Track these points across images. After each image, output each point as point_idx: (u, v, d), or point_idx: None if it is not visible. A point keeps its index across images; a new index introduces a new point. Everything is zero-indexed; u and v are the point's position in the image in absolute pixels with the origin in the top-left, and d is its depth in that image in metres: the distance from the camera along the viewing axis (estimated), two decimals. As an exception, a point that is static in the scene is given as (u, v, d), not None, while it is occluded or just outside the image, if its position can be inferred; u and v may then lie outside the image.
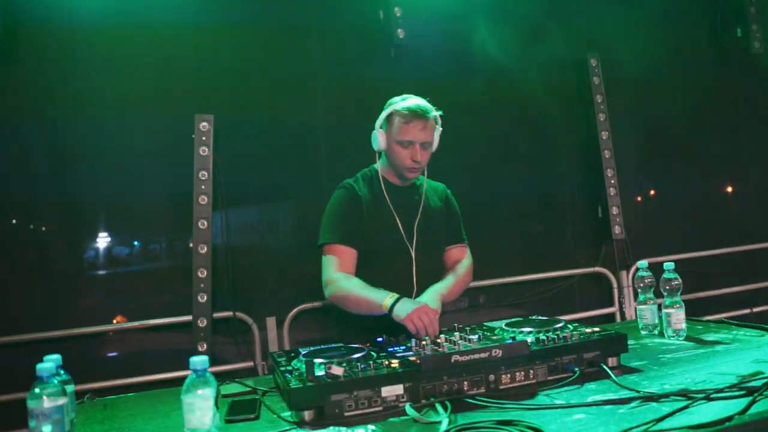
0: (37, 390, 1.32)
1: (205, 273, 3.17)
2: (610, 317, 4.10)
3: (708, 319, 2.61)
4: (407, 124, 2.40)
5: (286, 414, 1.75)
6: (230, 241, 3.29)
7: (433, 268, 2.60)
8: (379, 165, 2.61)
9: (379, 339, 2.20)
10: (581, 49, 4.08)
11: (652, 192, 4.49)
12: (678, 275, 2.32)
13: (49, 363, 1.36)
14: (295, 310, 3.42)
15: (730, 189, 4.68)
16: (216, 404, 1.79)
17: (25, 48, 3.07)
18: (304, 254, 3.49)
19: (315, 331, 3.49)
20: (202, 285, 3.16)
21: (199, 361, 1.32)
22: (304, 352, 2.02)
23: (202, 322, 3.16)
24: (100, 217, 3.30)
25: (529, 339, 1.95)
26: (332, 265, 2.43)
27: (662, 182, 4.43)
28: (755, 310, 4.40)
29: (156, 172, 3.33)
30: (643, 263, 2.46)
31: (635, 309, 4.14)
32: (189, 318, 3.20)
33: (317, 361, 1.81)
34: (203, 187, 3.17)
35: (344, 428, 1.38)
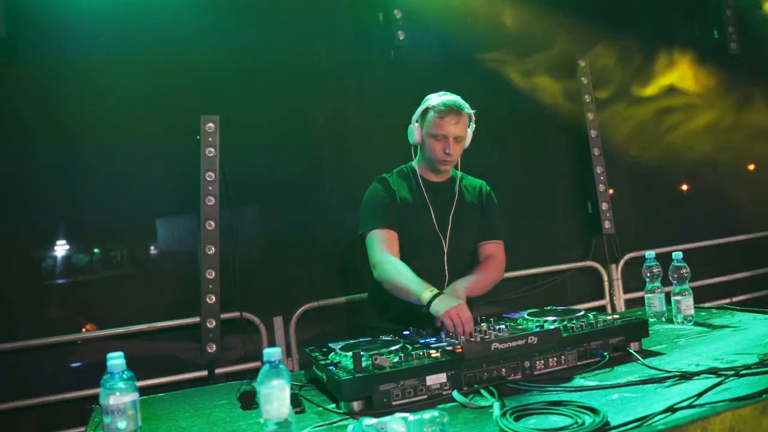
0: (109, 386, 1.33)
1: (213, 274, 3.18)
2: (601, 309, 4.23)
3: (709, 306, 2.74)
4: (441, 118, 2.48)
5: (331, 406, 1.79)
6: (237, 241, 3.29)
7: (465, 261, 2.66)
8: (415, 161, 2.70)
9: (406, 333, 2.26)
10: (571, 51, 4.20)
11: (637, 189, 4.64)
12: (685, 263, 2.43)
13: (119, 359, 1.38)
14: (301, 309, 3.44)
15: (706, 186, 4.86)
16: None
17: (28, 48, 3.03)
18: (309, 254, 3.53)
19: (321, 329, 3.52)
20: (210, 286, 3.16)
21: (273, 352, 1.36)
22: (339, 347, 2.06)
23: (211, 323, 3.16)
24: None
25: (559, 327, 2.03)
26: (377, 248, 2.49)
27: (647, 179, 4.59)
28: (734, 299, 4.59)
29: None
30: (650, 254, 2.56)
31: (623, 301, 4.33)
32: (197, 319, 3.20)
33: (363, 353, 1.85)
34: (210, 188, 3.18)
35: (417, 413, 1.42)
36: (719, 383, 1.60)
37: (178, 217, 3.45)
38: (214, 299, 3.17)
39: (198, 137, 3.21)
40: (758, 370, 1.68)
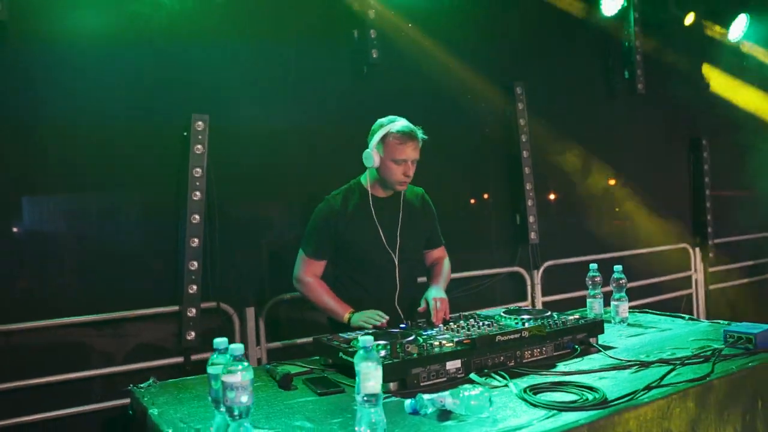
0: (232, 364, 1.56)
1: (196, 265, 3.33)
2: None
3: (632, 310, 3.31)
4: (403, 144, 2.76)
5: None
6: (218, 235, 3.46)
7: (414, 269, 3.04)
8: (363, 179, 2.94)
9: (403, 326, 2.62)
10: (511, 77, 4.73)
11: (559, 206, 5.27)
12: (624, 276, 2.97)
13: (237, 345, 1.61)
14: (271, 302, 3.67)
15: (610, 201, 5.61)
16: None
17: (25, 33, 3.03)
18: (284, 249, 3.77)
19: (291, 320, 3.78)
20: (193, 277, 3.32)
21: (367, 339, 1.66)
22: (360, 334, 2.37)
23: (191, 312, 3.32)
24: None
25: (542, 324, 2.46)
26: (302, 269, 2.90)
27: (568, 196, 5.23)
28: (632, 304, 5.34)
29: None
30: (593, 266, 3.07)
31: (542, 303, 4.92)
32: (176, 308, 3.35)
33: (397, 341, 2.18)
34: (197, 183, 3.33)
35: (466, 388, 1.78)
36: (672, 369, 2.10)
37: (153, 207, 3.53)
38: (195, 289, 3.33)
39: (186, 133, 3.35)
40: (696, 360, 2.21)
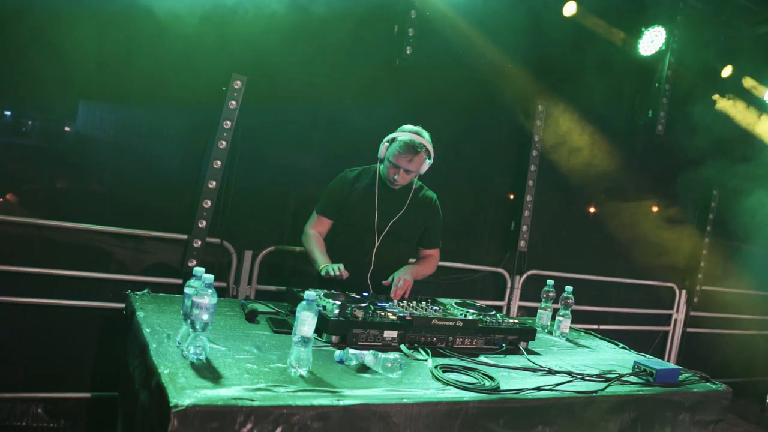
0: (201, 288, 2.00)
1: (209, 204, 3.78)
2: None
3: (579, 328, 3.67)
4: (400, 154, 3.12)
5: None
6: (234, 182, 3.90)
7: (393, 258, 3.37)
8: (380, 165, 3.33)
9: (365, 294, 3.03)
10: (535, 93, 5.02)
11: (554, 221, 5.58)
12: (572, 296, 3.32)
13: (209, 275, 2.04)
14: (268, 249, 4.12)
15: (606, 228, 5.89)
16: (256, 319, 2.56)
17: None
18: (293, 203, 4.21)
19: (284, 269, 4.24)
20: (204, 213, 3.78)
21: (311, 294, 2.07)
22: (323, 293, 2.80)
23: (197, 243, 3.79)
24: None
25: (477, 319, 2.84)
26: (312, 223, 3.38)
27: (565, 215, 5.54)
28: (601, 327, 5.66)
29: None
30: (550, 281, 3.42)
31: (518, 307, 5.28)
32: (184, 237, 3.82)
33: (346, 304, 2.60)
34: (225, 134, 3.76)
35: (384, 353, 2.19)
36: (571, 381, 2.47)
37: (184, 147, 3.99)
38: (204, 224, 3.79)
39: (224, 89, 3.77)
40: (597, 379, 2.57)
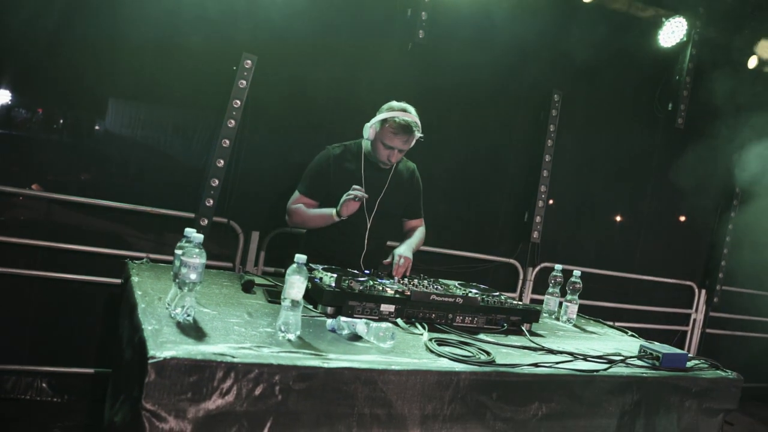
0: (190, 247, 1.98)
1: (217, 182, 3.78)
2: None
3: (588, 317, 3.58)
4: (395, 135, 3.07)
5: (309, 306, 2.50)
6: (243, 161, 3.90)
7: (385, 234, 3.35)
8: (364, 143, 3.28)
9: (367, 272, 2.99)
10: (552, 82, 4.94)
11: (568, 211, 5.48)
12: (580, 281, 3.24)
13: (199, 234, 2.02)
14: (276, 231, 4.11)
15: (624, 223, 5.77)
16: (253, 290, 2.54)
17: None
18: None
19: (287, 251, 4.20)
20: (212, 192, 3.77)
21: (301, 257, 2.04)
22: (322, 267, 2.76)
23: (203, 222, 3.78)
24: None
25: (479, 297, 2.79)
26: (292, 201, 3.25)
27: (580, 207, 5.44)
28: (616, 324, 5.53)
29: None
30: (558, 267, 3.35)
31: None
32: (192, 215, 3.82)
33: (342, 276, 2.56)
34: (234, 113, 3.76)
35: (376, 323, 2.15)
36: (570, 360, 2.40)
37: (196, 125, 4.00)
38: (211, 203, 3.78)
39: (235, 68, 3.77)
40: (598, 360, 2.50)
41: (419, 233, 3.44)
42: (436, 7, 4.21)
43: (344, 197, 2.96)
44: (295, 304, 2.02)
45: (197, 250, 1.96)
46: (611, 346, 2.85)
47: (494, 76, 4.65)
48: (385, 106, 3.16)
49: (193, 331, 1.88)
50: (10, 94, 3.55)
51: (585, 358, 2.48)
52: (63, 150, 3.72)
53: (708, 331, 6.15)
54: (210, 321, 2.02)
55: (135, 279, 2.40)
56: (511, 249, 5.12)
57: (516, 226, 5.13)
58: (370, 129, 3.13)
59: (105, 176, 3.81)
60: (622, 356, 2.58)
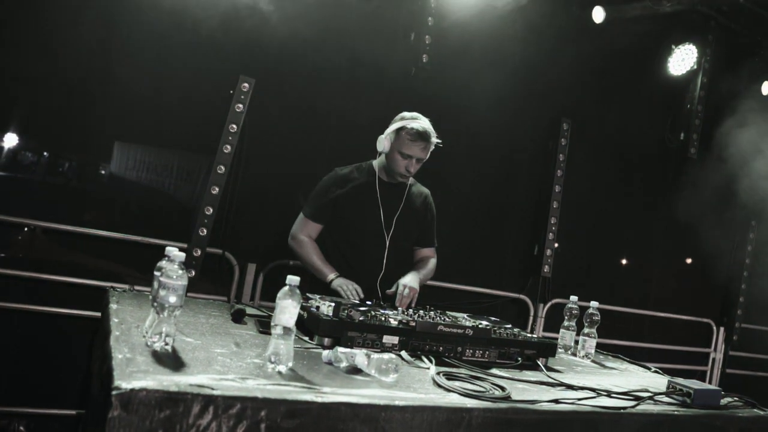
0: (171, 267, 1.78)
1: (211, 211, 3.60)
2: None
3: (606, 353, 3.34)
4: (413, 142, 2.96)
5: (305, 338, 2.28)
6: (239, 188, 3.72)
7: (401, 257, 3.18)
8: (375, 162, 3.17)
9: (369, 303, 2.77)
10: (559, 111, 4.79)
11: (579, 244, 5.27)
12: (598, 312, 3.01)
13: (180, 252, 1.82)
14: (274, 263, 3.90)
15: (637, 257, 5.55)
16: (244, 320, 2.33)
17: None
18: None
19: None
20: (205, 221, 3.59)
21: (294, 279, 1.83)
22: (318, 296, 2.55)
23: (197, 252, 3.59)
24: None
25: (491, 329, 2.56)
26: (298, 228, 3.14)
27: (592, 240, 5.22)
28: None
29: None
30: (574, 298, 3.13)
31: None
32: (184, 245, 3.62)
33: (342, 304, 2.35)
34: (230, 138, 3.60)
35: (377, 353, 1.92)
36: (593, 396, 2.16)
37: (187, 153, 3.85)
38: (205, 232, 3.59)
39: (231, 92, 3.63)
40: (624, 396, 2.26)
41: (430, 264, 3.25)
42: (440, 31, 4.11)
43: (342, 286, 2.89)
44: (286, 332, 1.80)
45: (178, 270, 1.76)
46: (635, 382, 2.61)
47: (500, 103, 4.50)
48: (398, 117, 3.05)
49: (171, 360, 1.66)
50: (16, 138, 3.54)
51: (609, 394, 2.24)
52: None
53: (729, 371, 5.85)
54: (191, 351, 1.81)
55: (113, 306, 2.19)
56: (521, 284, 4.89)
57: (525, 260, 4.92)
58: (384, 141, 3.01)
59: (106, 214, 3.67)
60: (650, 392, 2.34)
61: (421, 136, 2.95)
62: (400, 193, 3.14)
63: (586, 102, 4.90)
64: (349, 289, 2.87)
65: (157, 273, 1.87)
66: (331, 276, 2.95)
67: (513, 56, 4.37)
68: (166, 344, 1.74)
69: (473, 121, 4.45)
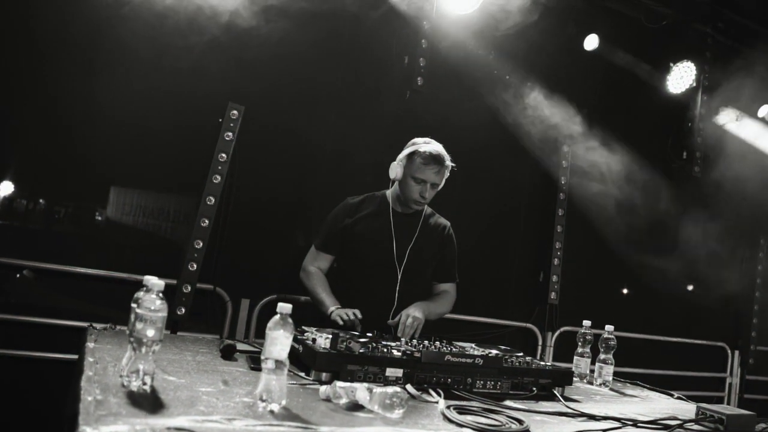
0: (147, 298, 1.61)
1: (201, 244, 3.42)
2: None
3: (624, 380, 3.14)
4: (426, 166, 2.83)
5: (301, 374, 2.09)
6: (230, 219, 3.56)
7: (415, 291, 2.99)
8: (388, 191, 3.04)
9: (369, 334, 2.58)
10: (558, 134, 4.67)
11: (585, 269, 5.09)
12: (614, 337, 2.83)
13: (159, 280, 1.66)
14: (268, 298, 3.71)
15: (645, 281, 5.35)
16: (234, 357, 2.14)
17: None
18: (293, 248, 3.82)
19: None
20: (195, 255, 3.41)
21: (285, 306, 1.66)
22: (314, 329, 2.37)
23: (187, 288, 3.40)
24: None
25: (502, 358, 2.37)
26: (309, 260, 3.02)
27: (599, 265, 5.05)
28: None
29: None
30: (587, 322, 2.95)
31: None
32: (172, 281, 3.43)
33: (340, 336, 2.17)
34: (219, 167, 3.45)
35: (380, 386, 1.74)
36: (619, 427, 1.97)
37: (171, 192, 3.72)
38: (195, 267, 3.41)
39: (220, 120, 3.50)
40: (652, 426, 2.06)
41: (443, 298, 3.09)
42: (435, 52, 4.00)
43: (338, 313, 2.73)
44: (279, 366, 1.62)
45: (156, 300, 1.59)
46: (659, 410, 2.42)
47: (498, 125, 4.38)
48: (410, 142, 2.96)
49: (148, 401, 1.47)
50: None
51: (635, 424, 2.05)
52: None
53: (746, 396, 5.61)
54: (173, 390, 1.62)
55: (90, 345, 2.01)
56: (527, 312, 4.70)
57: (531, 288, 4.73)
58: (397, 167, 2.90)
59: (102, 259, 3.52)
60: (679, 420, 2.15)
61: (435, 159, 2.83)
62: (414, 224, 3.00)
63: (585, 123, 4.79)
64: (347, 313, 2.69)
65: (133, 305, 1.69)
66: (332, 308, 2.78)
67: (509, 79, 4.26)
68: (144, 384, 1.56)
69: (471, 145, 4.30)
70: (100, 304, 3.45)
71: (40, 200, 3.56)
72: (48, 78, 3.34)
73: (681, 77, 4.93)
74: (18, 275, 3.39)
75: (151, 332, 1.56)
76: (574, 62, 4.54)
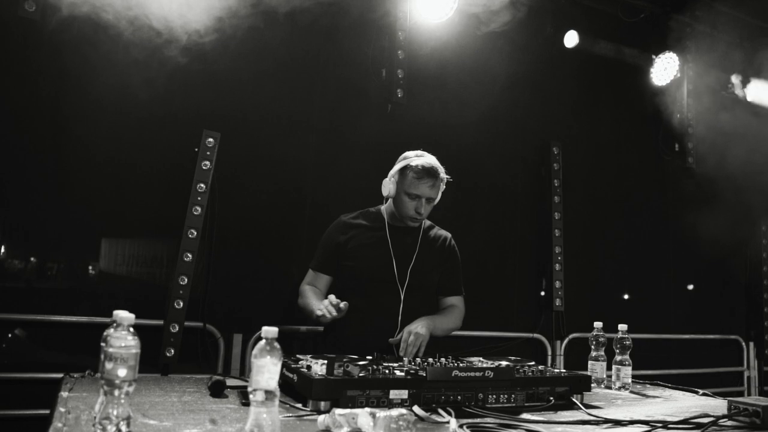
0: (117, 334, 1.45)
1: (186, 281, 3.26)
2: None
3: (644, 381, 2.97)
4: (419, 180, 2.69)
5: (298, 405, 1.92)
6: (214, 253, 3.40)
7: (419, 308, 2.81)
8: (383, 207, 2.90)
9: (369, 357, 2.41)
10: (546, 136, 4.57)
11: (587, 272, 4.94)
12: (629, 336, 2.67)
13: (130, 314, 1.50)
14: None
15: (650, 279, 5.21)
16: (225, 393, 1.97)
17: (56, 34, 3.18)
18: (282, 279, 3.65)
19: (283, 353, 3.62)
20: (181, 292, 3.24)
21: (270, 330, 1.50)
22: (309, 356, 2.20)
23: (174, 328, 3.22)
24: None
25: (514, 368, 2.21)
26: (308, 281, 2.88)
27: (601, 266, 4.90)
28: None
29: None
30: (599, 324, 2.79)
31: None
32: (159, 322, 3.26)
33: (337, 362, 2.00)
34: (199, 198, 3.30)
35: (384, 410, 1.57)
36: (649, 430, 1.81)
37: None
38: (181, 305, 3.24)
39: (196, 149, 3.36)
40: (684, 426, 1.90)
41: (451, 312, 2.91)
42: (413, 63, 3.91)
43: (321, 313, 2.49)
44: (269, 396, 1.45)
45: (127, 336, 1.42)
46: (687, 408, 2.26)
47: (485, 132, 4.26)
48: (401, 157, 2.82)
49: (123, 450, 1.30)
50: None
51: (666, 425, 1.88)
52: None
53: (767, 388, 5.43)
54: (153, 435, 1.45)
55: (63, 395, 1.83)
56: (533, 322, 4.53)
57: (534, 296, 4.57)
58: (389, 184, 2.76)
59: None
60: (711, 417, 1.98)
61: (428, 172, 2.70)
62: (413, 240, 2.85)
63: (573, 123, 4.69)
64: (325, 305, 2.47)
65: (102, 344, 1.53)
66: (317, 312, 2.56)
67: (491, 82, 4.15)
68: (120, 431, 1.39)
69: (458, 155, 4.16)
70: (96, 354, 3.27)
71: (31, 258, 3.41)
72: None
73: (665, 69, 4.85)
74: (9, 335, 3.21)
75: (122, 372, 1.39)
76: (556, 60, 4.45)
